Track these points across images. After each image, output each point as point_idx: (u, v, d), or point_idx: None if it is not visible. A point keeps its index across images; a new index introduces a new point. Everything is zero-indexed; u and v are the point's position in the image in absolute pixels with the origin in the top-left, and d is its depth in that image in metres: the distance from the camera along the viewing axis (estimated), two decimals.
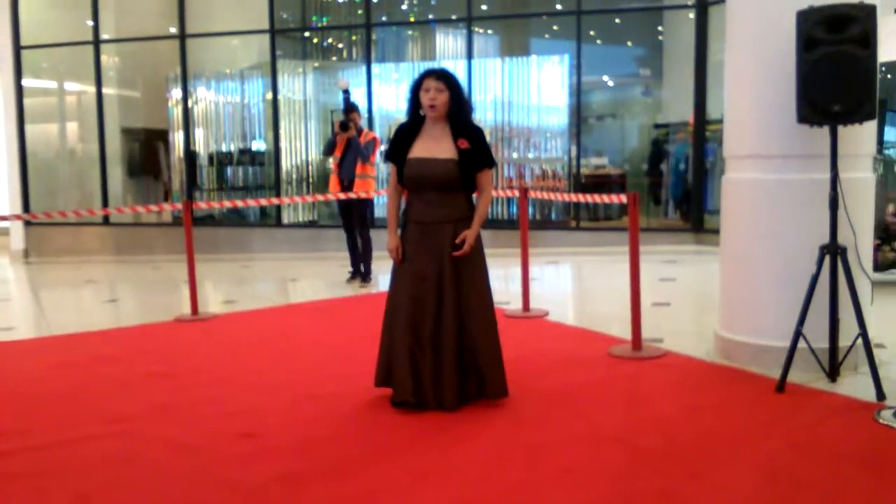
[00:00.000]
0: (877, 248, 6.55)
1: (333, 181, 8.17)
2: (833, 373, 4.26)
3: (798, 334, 4.14)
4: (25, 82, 11.99)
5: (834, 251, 4.15)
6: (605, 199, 6.02)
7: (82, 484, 3.21)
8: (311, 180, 12.19)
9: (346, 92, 8.19)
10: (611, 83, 13.11)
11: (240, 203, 8.53)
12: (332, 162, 8.25)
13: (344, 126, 7.92)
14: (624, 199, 5.25)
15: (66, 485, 3.20)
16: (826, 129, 4.18)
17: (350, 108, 8.10)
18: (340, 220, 8.45)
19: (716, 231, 5.18)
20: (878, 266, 6.59)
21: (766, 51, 4.45)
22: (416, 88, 4.01)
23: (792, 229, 4.45)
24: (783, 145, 4.44)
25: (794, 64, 4.16)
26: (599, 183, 11.48)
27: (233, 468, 3.33)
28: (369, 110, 11.03)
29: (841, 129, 4.17)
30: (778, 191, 4.48)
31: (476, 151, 4.00)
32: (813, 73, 4.08)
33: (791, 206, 4.45)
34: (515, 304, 6.46)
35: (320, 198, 8.87)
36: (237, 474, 3.26)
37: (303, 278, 9.07)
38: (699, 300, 6.94)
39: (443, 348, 3.92)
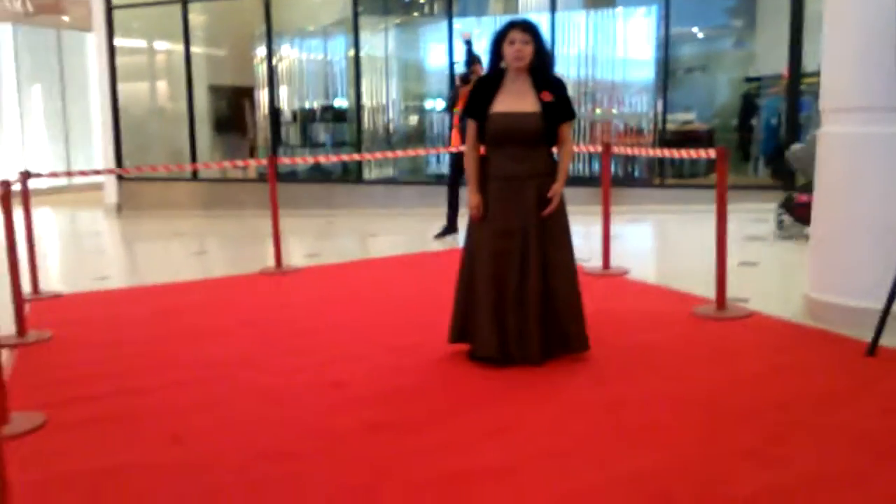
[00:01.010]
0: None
1: (455, 135, 8.08)
2: None
3: (893, 295, 3.97)
4: (117, 41, 12.33)
5: None
6: (693, 154, 5.85)
7: (176, 426, 3.34)
8: (391, 136, 12.23)
9: (469, 43, 8.06)
10: (700, 35, 12.63)
11: (334, 158, 8.58)
12: (453, 116, 8.18)
13: (465, 79, 7.82)
14: (712, 153, 5.10)
15: (160, 427, 3.35)
16: None
17: (472, 59, 7.95)
18: (449, 175, 8.32)
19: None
20: None
21: None
22: (500, 40, 3.94)
23: (890, 185, 4.25)
24: (884, 97, 4.23)
25: None
26: (686, 139, 11.15)
27: (320, 416, 3.42)
28: (451, 66, 10.96)
29: None
30: (877, 145, 4.28)
31: (559, 104, 3.94)
32: None
33: (890, 161, 4.25)
34: (595, 262, 6.39)
35: (432, 151, 8.89)
36: (324, 422, 3.35)
37: (383, 233, 9.16)
38: (788, 260, 6.73)
39: (527, 303, 3.90)
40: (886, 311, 3.97)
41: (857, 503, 2.53)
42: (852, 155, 4.41)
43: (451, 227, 8.19)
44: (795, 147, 7.70)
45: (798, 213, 7.32)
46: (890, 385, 3.60)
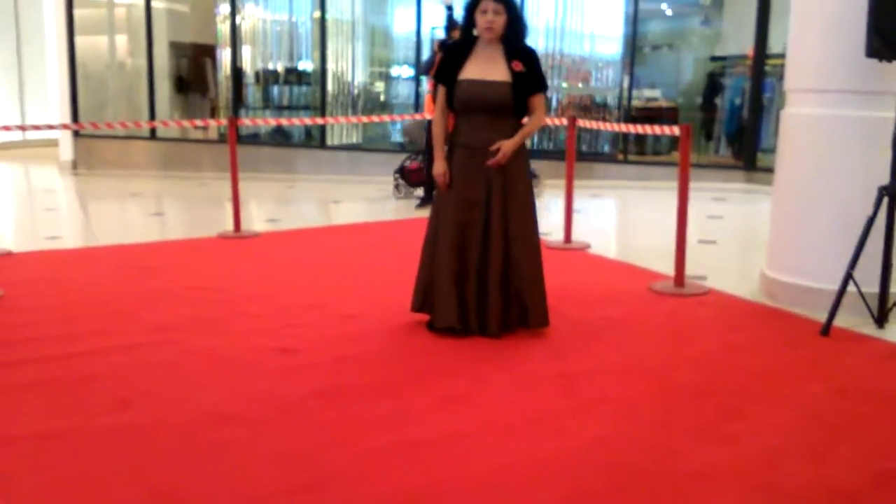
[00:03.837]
0: (420, 169, 8.56)
1: (429, 101, 8.01)
2: (881, 319, 4.15)
3: (848, 277, 4.02)
4: None
5: (893, 192, 4.00)
6: (657, 130, 5.85)
7: (123, 390, 3.27)
8: (357, 102, 12.08)
9: (450, 8, 7.93)
10: (668, 12, 12.65)
11: (296, 121, 8.50)
12: (427, 82, 8.11)
13: (444, 46, 7.69)
14: (676, 131, 5.10)
15: (107, 390, 3.27)
16: (895, 65, 3.98)
17: (452, 25, 7.83)
18: (426, 143, 8.25)
19: (768, 170, 5.04)
20: (421, 183, 8.52)
21: None
22: (472, 8, 3.88)
23: (851, 168, 4.29)
24: (848, 80, 4.25)
25: None
26: (650, 116, 11.19)
27: (269, 381, 3.37)
28: (418, 33, 10.83)
29: None
30: (839, 127, 4.30)
31: (530, 74, 3.89)
32: (884, 4, 3.86)
33: (852, 144, 4.28)
34: (557, 236, 6.39)
35: (398, 118, 9.00)
36: (273, 388, 3.29)
37: (346, 200, 9.06)
38: (747, 239, 6.80)
39: (488, 275, 3.87)
40: (841, 293, 4.02)
41: (808, 480, 2.55)
42: (813, 136, 4.43)
43: (430, 197, 8.13)
44: (406, 122, 9.14)
45: (410, 178, 8.81)
46: (843, 364, 3.64)
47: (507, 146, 3.81)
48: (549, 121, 7.86)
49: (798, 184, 4.51)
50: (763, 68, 9.81)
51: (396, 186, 8.94)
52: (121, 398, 3.18)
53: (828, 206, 4.36)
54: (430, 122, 8.87)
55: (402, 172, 8.89)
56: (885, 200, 4.02)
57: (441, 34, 8.28)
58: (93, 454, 2.72)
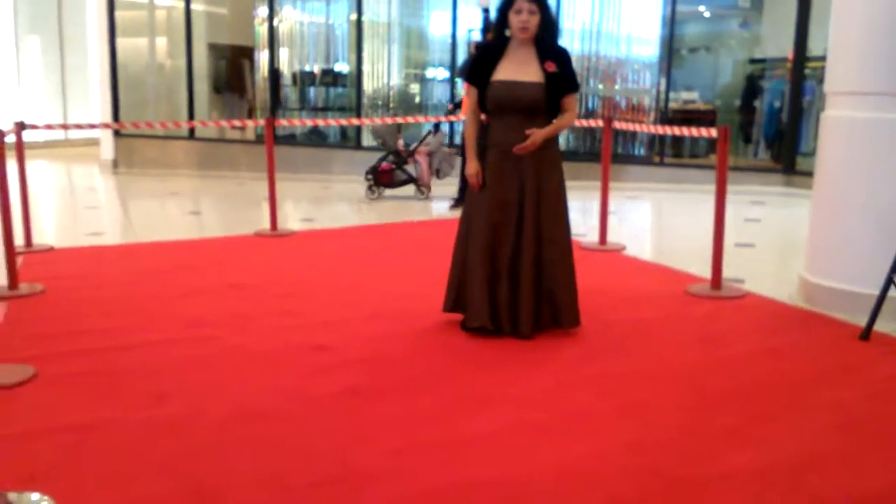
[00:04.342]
0: (391, 171, 8.89)
1: (467, 102, 8.06)
2: None
3: (889, 281, 3.95)
4: None
5: None
6: (694, 132, 5.80)
7: (159, 384, 3.32)
8: (391, 104, 12.13)
9: (486, 10, 7.96)
10: (707, 14, 12.53)
11: (332, 122, 8.60)
12: (465, 84, 8.14)
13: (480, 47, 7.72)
14: (714, 133, 5.05)
15: (143, 384, 3.32)
16: None
17: (488, 27, 7.85)
18: (461, 144, 8.35)
19: (807, 173, 4.97)
20: (392, 184, 8.96)
21: None
22: (506, 8, 3.88)
23: (891, 171, 4.22)
24: (890, 82, 4.18)
25: None
26: (687, 118, 11.09)
27: (302, 378, 3.40)
28: (454, 35, 10.84)
29: None
30: (880, 130, 4.24)
31: (563, 75, 3.88)
32: None
33: (893, 147, 4.21)
34: (592, 237, 6.36)
35: (433, 119, 9.08)
36: (306, 384, 3.33)
37: (380, 200, 9.09)
38: (785, 243, 6.71)
39: (520, 275, 3.87)
40: (882, 296, 3.95)
41: (836, 487, 2.51)
42: (854, 139, 4.37)
43: (463, 198, 8.15)
44: (377, 124, 9.07)
45: (381, 179, 8.94)
46: (882, 370, 3.58)
47: (538, 134, 3.81)
48: (585, 122, 7.82)
49: (838, 187, 4.45)
50: (803, 71, 9.68)
51: (370, 188, 8.96)
52: (157, 392, 3.23)
53: (868, 210, 4.30)
54: (400, 126, 9.06)
55: (374, 173, 8.93)
56: None
57: (477, 36, 8.29)
58: (129, 446, 2.77)
